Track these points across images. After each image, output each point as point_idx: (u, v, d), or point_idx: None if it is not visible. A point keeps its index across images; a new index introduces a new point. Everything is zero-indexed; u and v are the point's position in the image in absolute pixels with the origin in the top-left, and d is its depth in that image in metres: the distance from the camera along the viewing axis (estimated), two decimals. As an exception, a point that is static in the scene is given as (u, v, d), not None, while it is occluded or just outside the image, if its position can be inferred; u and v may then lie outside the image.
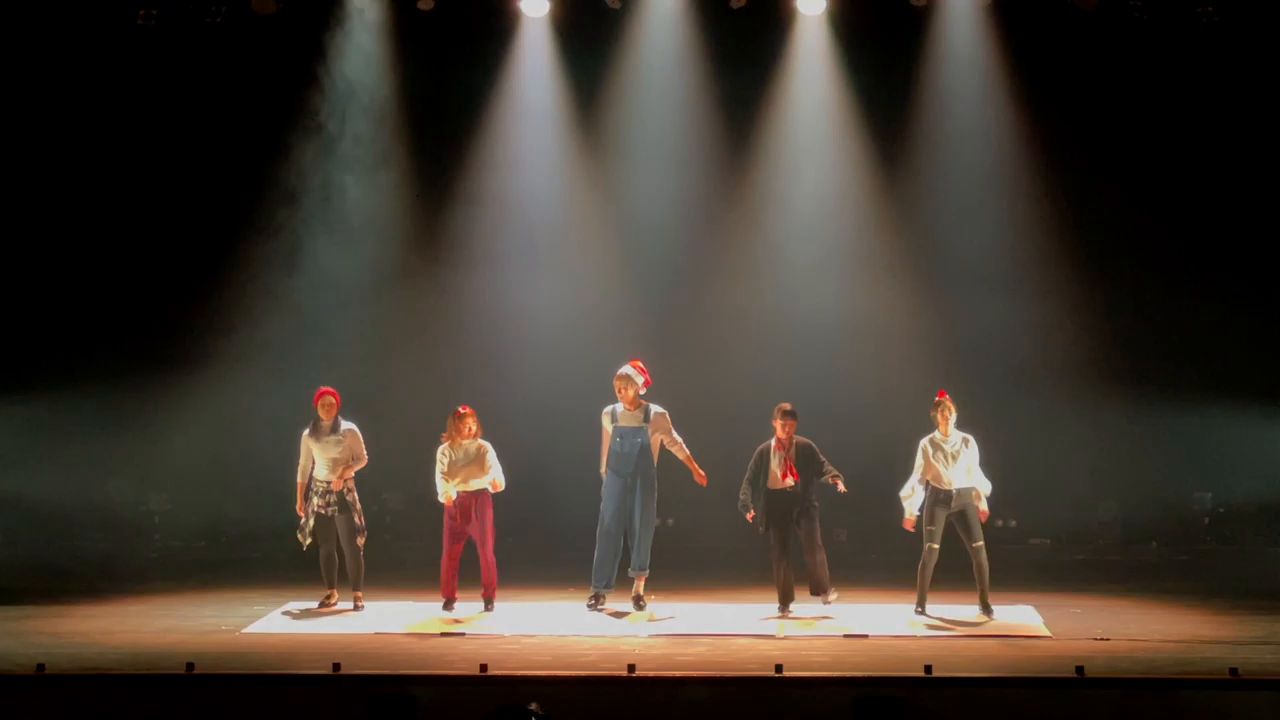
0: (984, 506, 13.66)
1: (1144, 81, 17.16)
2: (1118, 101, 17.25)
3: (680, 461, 14.02)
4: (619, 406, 13.97)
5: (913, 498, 13.69)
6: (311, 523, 14.19)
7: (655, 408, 13.98)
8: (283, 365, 17.10)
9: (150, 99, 17.39)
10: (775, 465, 13.80)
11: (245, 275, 17.49)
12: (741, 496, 13.92)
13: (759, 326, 17.79)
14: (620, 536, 13.95)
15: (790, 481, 13.79)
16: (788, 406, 13.88)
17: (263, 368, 17.30)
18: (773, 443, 13.88)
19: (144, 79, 17.34)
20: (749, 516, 13.92)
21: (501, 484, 13.96)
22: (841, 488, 13.81)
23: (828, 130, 17.77)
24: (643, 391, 13.96)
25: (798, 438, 13.89)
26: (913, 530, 13.71)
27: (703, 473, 13.98)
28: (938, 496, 13.66)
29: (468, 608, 13.91)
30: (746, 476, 13.91)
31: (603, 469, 14.02)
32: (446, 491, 13.87)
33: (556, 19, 17.49)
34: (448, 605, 13.88)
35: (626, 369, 13.98)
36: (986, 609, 13.61)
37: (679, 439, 14.00)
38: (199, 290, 17.43)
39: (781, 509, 13.81)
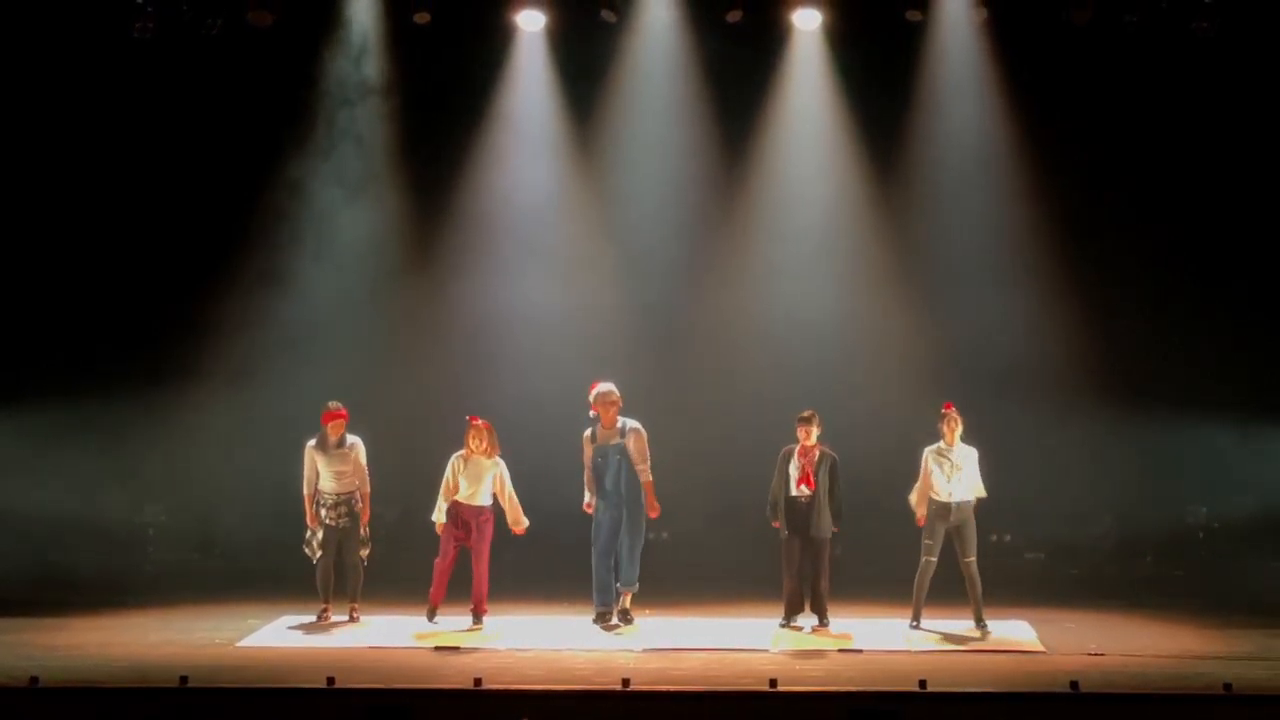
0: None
1: (1139, 95, 17.17)
2: (1113, 115, 17.25)
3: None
4: (596, 426, 13.97)
5: (920, 501, 13.75)
6: (320, 535, 14.21)
7: (631, 422, 13.97)
8: (277, 377, 17.06)
9: (146, 110, 17.35)
10: (793, 470, 13.79)
11: (239, 287, 17.46)
12: (770, 503, 13.88)
13: (758, 339, 17.76)
14: (613, 554, 13.95)
15: (805, 490, 13.76)
16: (807, 413, 13.86)
17: (257, 379, 17.26)
18: (796, 448, 13.85)
19: (139, 90, 17.30)
20: (775, 525, 13.86)
21: (523, 526, 14.04)
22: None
23: (823, 144, 17.75)
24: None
25: (823, 448, 13.86)
26: (922, 524, 13.74)
27: (657, 506, 13.93)
28: (938, 510, 13.70)
29: (456, 621, 13.90)
30: (773, 483, 13.86)
31: (588, 495, 14.02)
32: (439, 514, 13.91)
33: (553, 33, 17.49)
34: (431, 616, 13.89)
35: (611, 387, 13.98)
36: (981, 624, 13.62)
37: (647, 466, 13.96)
38: (193, 302, 17.38)
39: (796, 517, 13.79)
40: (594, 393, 13.96)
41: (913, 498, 13.86)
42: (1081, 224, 17.36)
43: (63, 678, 11.45)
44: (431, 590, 13.94)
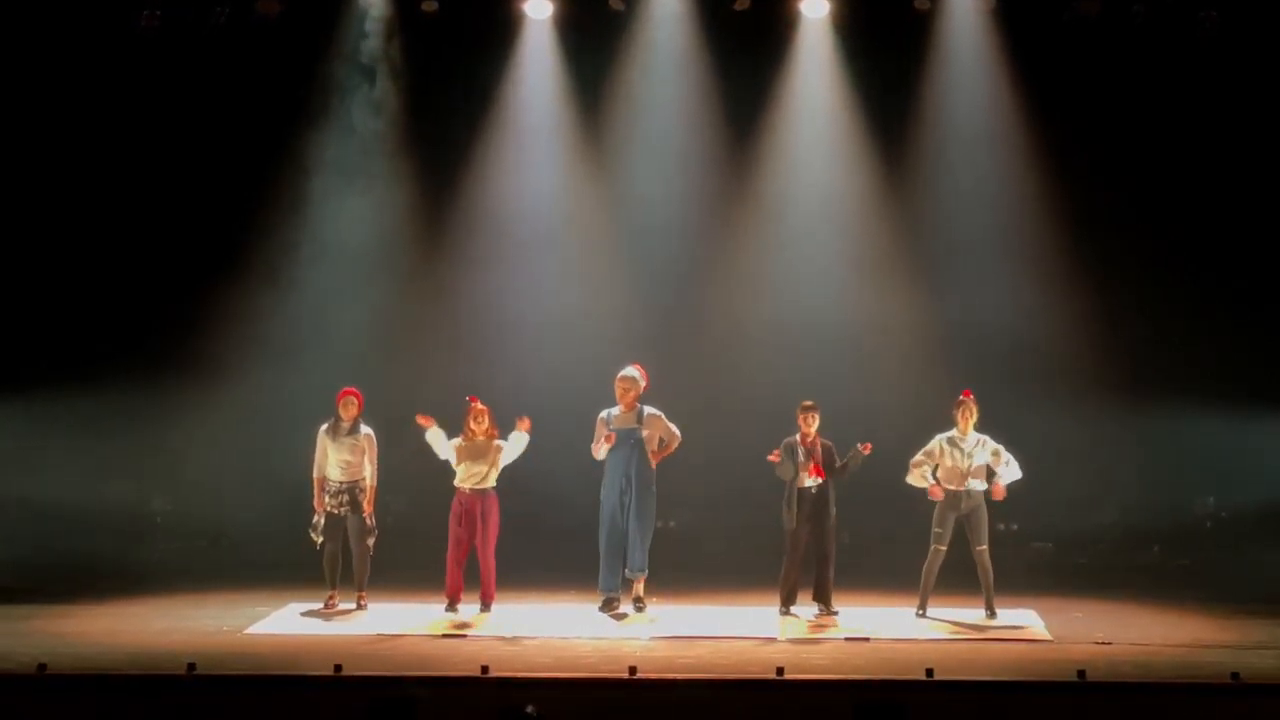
0: (1003, 483, 13.66)
1: (1147, 86, 17.14)
2: (1121, 105, 17.22)
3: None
4: (614, 410, 13.99)
5: (922, 469, 13.67)
6: (323, 521, 14.23)
7: (649, 409, 13.99)
8: (286, 367, 17.08)
9: (150, 103, 17.33)
10: (801, 460, 13.77)
11: (249, 277, 17.46)
12: (786, 496, 13.80)
13: (763, 328, 17.76)
14: (621, 540, 13.97)
15: (816, 480, 13.77)
16: (809, 402, 13.87)
17: (266, 369, 17.26)
18: (797, 437, 13.85)
19: (144, 82, 17.29)
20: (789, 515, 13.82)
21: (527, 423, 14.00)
22: (867, 448, 13.66)
23: (831, 132, 17.75)
24: (641, 394, 14.00)
25: (821, 438, 13.86)
26: (940, 498, 13.64)
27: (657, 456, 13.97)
28: (949, 499, 13.68)
29: (466, 610, 13.93)
30: (787, 473, 13.76)
31: (598, 451, 13.96)
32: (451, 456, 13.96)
33: (560, 21, 17.50)
34: (451, 606, 13.91)
35: (631, 370, 14.03)
36: (991, 612, 13.62)
37: (676, 431, 14.00)
38: (202, 292, 17.39)
39: (806, 507, 13.79)
40: (630, 372, 14.01)
41: (910, 477, 13.80)
42: (1090, 214, 17.33)
43: (71, 665, 11.46)
44: (448, 583, 13.96)
